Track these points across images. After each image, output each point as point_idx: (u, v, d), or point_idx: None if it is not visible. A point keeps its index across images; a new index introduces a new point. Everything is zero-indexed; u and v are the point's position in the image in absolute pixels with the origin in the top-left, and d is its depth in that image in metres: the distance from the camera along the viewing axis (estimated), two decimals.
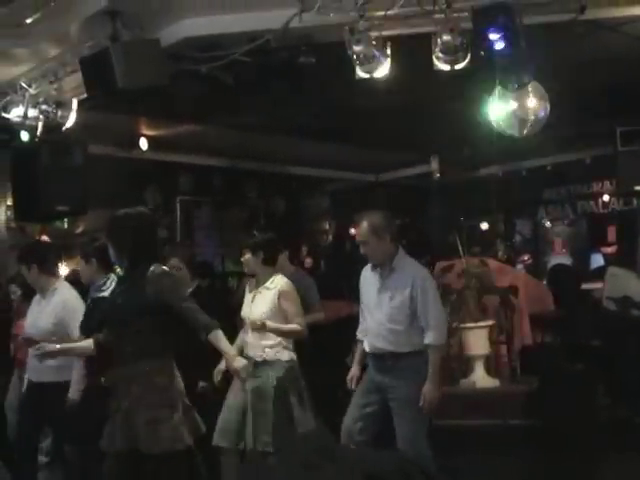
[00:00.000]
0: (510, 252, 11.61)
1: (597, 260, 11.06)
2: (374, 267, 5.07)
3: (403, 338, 4.89)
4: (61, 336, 5.31)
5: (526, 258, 11.17)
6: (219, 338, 4.15)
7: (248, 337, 5.51)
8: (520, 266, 10.69)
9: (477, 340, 7.21)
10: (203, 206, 11.03)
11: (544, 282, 8.59)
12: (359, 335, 5.21)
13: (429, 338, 4.87)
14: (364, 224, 4.99)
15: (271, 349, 5.42)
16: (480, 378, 7.18)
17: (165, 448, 4.06)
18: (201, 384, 5.71)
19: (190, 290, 6.07)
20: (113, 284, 5.07)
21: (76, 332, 5.31)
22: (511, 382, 7.41)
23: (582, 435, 5.76)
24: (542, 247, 11.39)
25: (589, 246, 11.39)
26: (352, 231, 11.61)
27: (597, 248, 11.30)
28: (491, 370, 7.36)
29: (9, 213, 8.40)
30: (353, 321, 5.53)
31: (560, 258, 8.38)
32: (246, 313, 5.57)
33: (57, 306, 5.61)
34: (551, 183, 11.63)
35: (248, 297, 5.67)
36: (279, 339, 5.44)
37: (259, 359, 5.42)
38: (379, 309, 4.98)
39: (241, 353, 5.35)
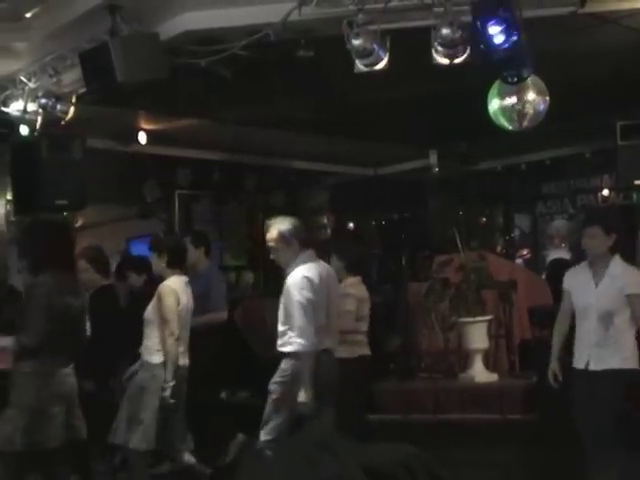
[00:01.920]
0: (509, 246, 11.61)
1: None
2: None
3: (285, 337, 5.10)
4: None
5: (525, 252, 11.16)
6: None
7: None
8: (519, 260, 10.68)
9: (476, 334, 7.23)
10: (202, 200, 11.02)
11: (543, 276, 8.59)
12: None
13: (295, 346, 5.05)
14: (274, 230, 5.16)
15: (146, 351, 5.49)
16: (479, 372, 7.20)
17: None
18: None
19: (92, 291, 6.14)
20: None
21: None
22: (510, 376, 7.43)
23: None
24: (541, 241, 11.38)
25: None
26: (350, 225, 11.63)
27: None
28: (490, 364, 7.38)
29: (9, 207, 8.38)
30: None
31: (559, 252, 8.34)
32: None
33: None
34: (550, 177, 11.61)
35: None
36: (156, 342, 5.43)
37: (144, 359, 5.52)
38: None
39: None
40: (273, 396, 5.10)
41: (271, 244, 5.16)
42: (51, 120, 7.06)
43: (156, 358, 5.38)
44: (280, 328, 5.13)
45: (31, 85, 6.93)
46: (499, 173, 11.64)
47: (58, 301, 4.71)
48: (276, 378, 5.11)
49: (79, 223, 9.82)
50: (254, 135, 9.43)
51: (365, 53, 5.30)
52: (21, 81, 7.00)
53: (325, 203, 11.92)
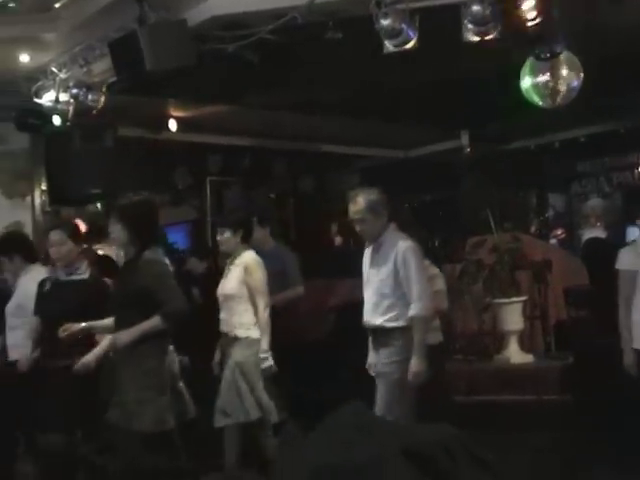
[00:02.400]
0: (543, 227, 11.48)
1: (633, 233, 10.87)
2: (368, 245, 5.01)
3: (389, 312, 4.80)
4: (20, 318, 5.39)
5: (560, 232, 11.02)
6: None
7: (222, 313, 5.54)
8: (554, 240, 10.55)
9: (510, 316, 7.17)
10: (232, 186, 11.04)
11: (578, 256, 8.49)
12: None
13: (414, 309, 4.75)
14: (362, 201, 4.88)
15: (240, 326, 5.43)
16: (514, 354, 7.15)
17: (147, 428, 4.20)
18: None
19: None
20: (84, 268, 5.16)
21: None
22: (545, 357, 7.36)
23: (616, 410, 5.71)
24: (576, 221, 11.24)
25: (625, 219, 11.22)
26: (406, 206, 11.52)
27: (633, 221, 11.12)
28: (525, 346, 7.33)
29: (44, 197, 8.48)
30: None
31: (595, 232, 8.23)
32: (218, 289, 5.60)
33: (18, 290, 5.62)
34: (585, 155, 11.45)
35: (225, 274, 5.70)
36: (250, 317, 5.43)
37: (230, 335, 5.46)
38: (370, 285, 4.92)
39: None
40: (395, 376, 4.76)
41: (358, 216, 4.87)
42: (83, 110, 7.13)
43: (255, 333, 5.40)
44: (385, 302, 4.81)
45: (62, 76, 6.99)
46: (532, 152, 11.50)
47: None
48: (392, 357, 4.77)
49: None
50: (283, 120, 9.43)
51: (394, 33, 5.26)
52: (52, 72, 7.07)
53: (356, 186, 11.88)
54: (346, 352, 5.74)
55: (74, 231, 5.25)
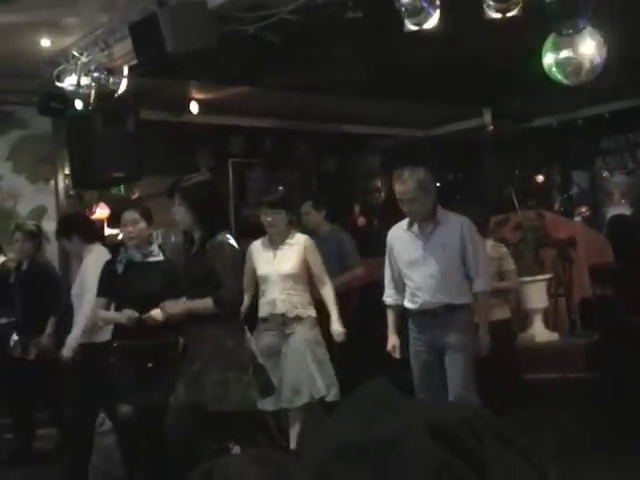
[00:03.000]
0: (567, 204, 11.42)
1: None
2: (410, 225, 4.89)
3: (456, 289, 4.78)
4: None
5: (584, 210, 10.96)
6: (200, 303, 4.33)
7: (276, 293, 5.42)
8: (578, 218, 10.51)
9: (535, 294, 7.16)
10: (255, 167, 11.04)
11: (603, 234, 8.44)
12: (388, 300, 5.06)
13: (480, 285, 4.80)
14: (411, 180, 4.77)
15: (301, 306, 5.42)
16: (539, 332, 7.14)
17: (234, 407, 4.18)
18: None
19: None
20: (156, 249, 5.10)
21: (87, 295, 5.29)
22: (570, 335, 7.35)
23: None
24: (600, 198, 11.15)
25: None
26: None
27: None
28: (550, 324, 7.31)
29: (67, 181, 8.53)
30: None
31: (619, 209, 8.19)
32: (269, 271, 5.48)
33: (81, 271, 5.62)
34: (609, 132, 11.32)
35: (265, 255, 5.56)
36: (307, 296, 5.46)
37: (291, 315, 5.39)
38: (428, 264, 4.78)
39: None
40: (469, 350, 4.73)
41: (407, 195, 4.74)
42: (104, 93, 7.15)
43: (314, 312, 5.44)
44: (451, 280, 4.77)
45: (83, 59, 7.01)
46: (555, 129, 11.40)
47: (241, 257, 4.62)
48: (464, 333, 4.73)
49: (135, 195, 9.93)
50: (304, 100, 9.40)
51: (414, 11, 5.22)
52: (74, 56, 7.09)
53: (378, 166, 11.85)
54: (369, 331, 5.77)
55: (146, 212, 5.19)
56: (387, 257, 5.06)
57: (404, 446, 1.02)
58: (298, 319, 5.38)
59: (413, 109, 10.30)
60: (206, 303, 4.26)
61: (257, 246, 5.65)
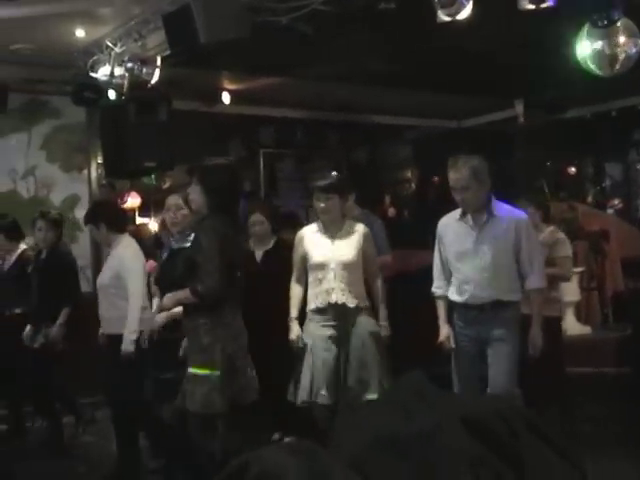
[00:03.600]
0: (600, 196, 11.31)
1: None
2: (463, 215, 4.70)
3: (507, 285, 4.59)
4: (120, 289, 5.24)
5: (617, 202, 10.85)
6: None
7: (335, 282, 5.10)
8: (611, 210, 10.41)
9: (567, 287, 7.10)
10: (286, 158, 11.06)
11: (636, 226, 8.36)
12: (438, 291, 4.85)
13: (534, 282, 4.62)
14: (465, 168, 4.56)
15: (361, 296, 5.14)
16: (571, 325, 7.09)
17: (197, 409, 4.12)
18: None
19: (270, 246, 5.96)
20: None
21: (132, 286, 5.18)
22: (603, 329, 7.30)
23: None
24: (634, 190, 11.05)
25: None
26: (435, 179, 11.49)
27: None
28: (582, 317, 7.26)
29: (100, 170, 8.61)
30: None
31: None
32: (327, 259, 5.15)
33: (113, 261, 5.42)
34: None
35: (321, 242, 5.23)
36: (363, 287, 5.17)
37: (351, 305, 5.08)
38: (480, 257, 4.60)
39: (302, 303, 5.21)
40: (514, 347, 4.57)
41: (461, 184, 4.53)
42: (137, 83, 7.20)
43: (368, 302, 5.20)
44: (503, 275, 4.57)
45: (117, 50, 7.07)
46: (588, 121, 11.29)
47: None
48: (511, 329, 4.55)
49: (167, 184, 10.00)
50: (336, 91, 9.39)
51: (447, 2, 5.20)
52: (107, 46, 7.15)
53: (409, 157, 11.82)
54: (399, 325, 5.70)
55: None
56: (437, 247, 4.85)
57: (439, 439, 1.03)
58: (358, 310, 5.10)
59: (445, 100, 10.26)
60: (186, 293, 4.20)
61: (310, 232, 5.32)
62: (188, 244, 4.77)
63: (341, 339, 5.05)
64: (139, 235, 9.52)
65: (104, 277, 5.39)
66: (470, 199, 4.59)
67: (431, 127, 11.81)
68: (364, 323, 5.09)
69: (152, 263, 6.60)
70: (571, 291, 7.10)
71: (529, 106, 10.55)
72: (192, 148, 8.96)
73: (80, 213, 8.14)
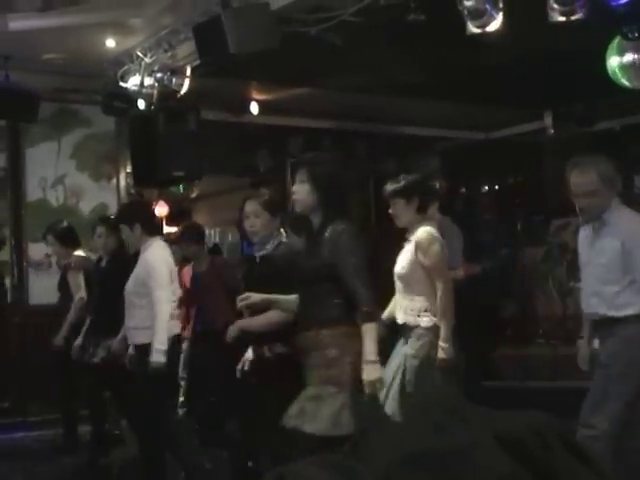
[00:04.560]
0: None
1: None
2: (588, 223, 4.24)
3: (618, 299, 4.05)
4: (143, 297, 4.99)
5: None
6: (367, 333, 3.57)
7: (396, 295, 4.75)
8: None
9: None
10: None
11: None
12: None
13: None
14: (591, 172, 4.09)
15: (411, 312, 4.68)
16: None
17: (322, 431, 3.55)
18: None
19: None
20: (277, 242, 4.54)
21: (159, 292, 4.93)
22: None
23: None
24: None
25: None
26: (463, 190, 11.45)
27: None
28: None
29: (128, 180, 8.68)
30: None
31: None
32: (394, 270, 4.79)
33: (139, 266, 5.16)
34: None
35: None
36: (422, 302, 4.65)
37: (401, 321, 4.71)
38: (589, 267, 4.22)
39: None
40: (614, 370, 3.99)
41: (588, 188, 4.04)
42: (167, 93, 7.26)
43: (426, 321, 4.63)
44: (614, 288, 4.04)
45: (147, 60, 7.13)
46: (617, 133, 11.20)
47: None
48: (617, 350, 4.02)
49: (195, 194, 10.06)
50: (364, 102, 9.40)
51: (477, 14, 5.18)
52: (138, 56, 7.22)
53: (436, 168, 11.79)
54: None
55: (270, 202, 4.59)
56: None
57: (472, 456, 1.02)
58: (405, 327, 4.68)
59: (474, 111, 10.23)
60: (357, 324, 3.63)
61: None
62: (266, 252, 4.45)
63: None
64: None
65: (131, 284, 5.14)
66: (595, 205, 4.11)
67: (459, 138, 11.77)
68: (406, 346, 4.64)
69: (187, 271, 6.59)
70: None
71: (558, 118, 10.48)
72: (220, 158, 9.02)
73: None
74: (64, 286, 6.62)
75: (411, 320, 4.65)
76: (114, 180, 8.76)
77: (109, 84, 7.63)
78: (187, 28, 6.34)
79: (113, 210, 8.51)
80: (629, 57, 6.25)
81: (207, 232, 7.99)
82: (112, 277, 5.78)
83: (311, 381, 3.69)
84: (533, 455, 0.99)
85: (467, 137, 11.76)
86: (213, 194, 10.74)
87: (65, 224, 6.76)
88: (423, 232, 4.70)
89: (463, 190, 11.33)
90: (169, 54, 6.86)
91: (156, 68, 7.12)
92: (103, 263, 6.17)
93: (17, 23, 6.46)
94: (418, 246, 4.66)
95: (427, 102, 9.61)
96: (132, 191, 8.78)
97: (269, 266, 4.39)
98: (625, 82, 6.45)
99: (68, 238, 6.64)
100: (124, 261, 5.72)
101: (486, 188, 11.44)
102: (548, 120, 10.61)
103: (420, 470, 1.00)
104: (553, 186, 10.24)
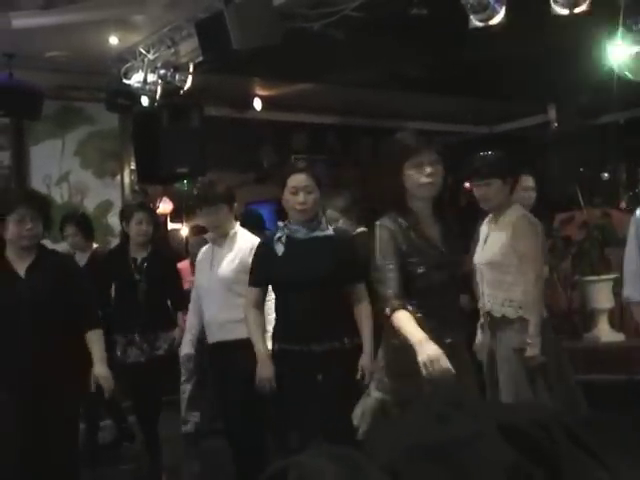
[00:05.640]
0: (634, 202, 11.17)
1: None
2: None
3: None
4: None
5: None
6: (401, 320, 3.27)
7: (482, 285, 4.32)
8: None
9: (600, 294, 7.03)
10: (317, 164, 11.08)
11: None
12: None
13: None
14: None
15: (510, 304, 4.22)
16: (604, 332, 7.01)
17: None
18: None
19: None
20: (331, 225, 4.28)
21: None
22: (637, 336, 7.19)
23: None
24: None
25: None
26: (467, 185, 11.43)
27: None
28: (616, 324, 7.17)
29: (133, 176, 8.69)
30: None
31: None
32: (478, 257, 4.37)
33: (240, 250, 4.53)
34: None
35: (482, 238, 4.43)
36: (520, 292, 4.16)
37: (497, 314, 4.24)
38: None
39: None
40: None
41: None
42: (170, 90, 7.26)
43: (523, 313, 4.18)
44: None
45: (150, 56, 7.14)
46: (621, 126, 11.19)
47: None
48: None
49: None
50: (367, 97, 9.40)
51: (480, 8, 5.18)
52: (141, 53, 7.22)
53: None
54: None
55: (316, 176, 4.22)
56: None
57: (475, 447, 1.02)
58: (503, 321, 4.21)
59: (477, 106, 10.22)
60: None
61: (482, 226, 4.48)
62: (328, 233, 4.07)
63: (492, 350, 4.37)
64: (170, 240, 9.59)
65: (227, 271, 4.48)
66: None
67: (464, 133, 11.77)
68: (507, 338, 4.23)
69: (186, 263, 6.57)
70: (605, 298, 7.04)
71: (562, 112, 10.48)
72: (224, 154, 9.03)
73: (112, 219, 8.23)
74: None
75: (511, 312, 4.19)
76: (118, 177, 8.77)
77: (112, 81, 7.64)
78: (190, 24, 6.35)
79: (117, 207, 8.52)
80: (632, 49, 6.24)
81: None
82: (157, 270, 5.44)
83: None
84: (537, 446, 0.99)
85: (471, 131, 11.75)
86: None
87: (80, 212, 6.61)
88: (523, 216, 4.26)
89: (466, 185, 11.31)
90: (172, 51, 6.87)
91: (159, 65, 7.13)
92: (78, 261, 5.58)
93: (20, 21, 6.47)
94: (516, 230, 4.19)
95: (430, 97, 9.60)
96: (136, 188, 8.79)
97: (347, 250, 4.04)
98: (629, 74, 6.44)
99: (90, 228, 6.21)
100: (162, 255, 5.63)
101: None
102: (552, 114, 10.60)
103: (424, 461, 1.00)
104: (557, 179, 10.24)
